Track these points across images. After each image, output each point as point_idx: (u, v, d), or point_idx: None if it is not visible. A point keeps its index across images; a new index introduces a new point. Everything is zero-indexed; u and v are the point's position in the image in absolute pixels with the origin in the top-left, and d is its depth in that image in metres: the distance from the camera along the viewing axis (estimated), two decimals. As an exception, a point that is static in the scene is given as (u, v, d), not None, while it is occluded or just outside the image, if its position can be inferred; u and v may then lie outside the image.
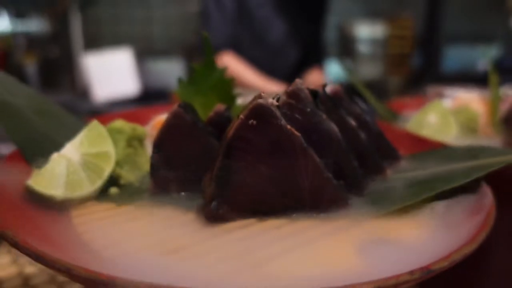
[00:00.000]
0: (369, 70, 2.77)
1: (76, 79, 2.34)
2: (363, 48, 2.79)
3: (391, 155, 0.32)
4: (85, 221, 0.25)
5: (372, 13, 2.89)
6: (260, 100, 0.23)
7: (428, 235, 0.23)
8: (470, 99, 0.48)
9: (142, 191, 0.29)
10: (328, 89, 0.30)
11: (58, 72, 2.43)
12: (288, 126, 0.23)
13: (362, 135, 0.29)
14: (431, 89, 0.57)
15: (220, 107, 0.30)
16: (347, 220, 0.25)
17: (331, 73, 2.82)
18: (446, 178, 0.27)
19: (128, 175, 0.30)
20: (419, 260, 0.19)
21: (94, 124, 0.30)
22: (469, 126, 0.43)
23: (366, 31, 2.78)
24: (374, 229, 0.24)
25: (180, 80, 0.34)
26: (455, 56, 1.97)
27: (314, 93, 0.26)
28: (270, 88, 1.25)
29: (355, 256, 0.22)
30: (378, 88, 2.83)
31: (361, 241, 0.23)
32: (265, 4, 1.34)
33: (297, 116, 0.26)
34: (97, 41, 2.52)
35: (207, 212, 0.24)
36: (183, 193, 0.27)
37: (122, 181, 0.30)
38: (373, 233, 0.24)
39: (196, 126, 0.27)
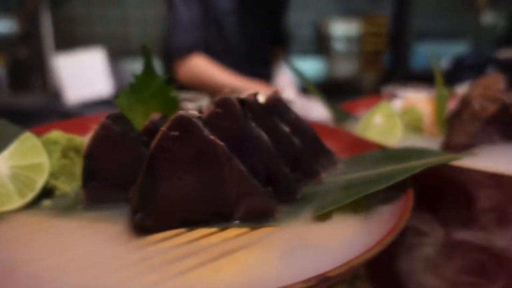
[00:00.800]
0: (345, 68, 2.81)
1: (48, 80, 2.28)
2: (338, 46, 2.82)
3: (327, 159, 0.33)
4: (13, 236, 0.25)
5: (348, 11, 2.93)
6: (181, 112, 0.23)
7: (349, 239, 0.24)
8: (418, 99, 0.49)
9: (76, 202, 0.29)
10: (263, 97, 0.31)
11: (29, 74, 2.37)
12: (211, 136, 0.24)
13: (296, 140, 0.30)
14: (385, 89, 0.58)
15: (155, 116, 0.30)
16: (274, 226, 0.25)
17: (307, 71, 2.85)
18: (373, 181, 0.28)
19: (64, 186, 0.30)
20: (333, 265, 0.20)
21: (27, 136, 0.29)
22: (414, 126, 0.45)
23: (342, 29, 2.81)
24: (298, 235, 0.25)
25: (121, 89, 0.34)
26: (427, 53, 2.02)
27: (242, 102, 0.27)
28: (247, 87, 1.25)
29: (276, 263, 0.22)
30: (353, 85, 2.88)
31: (284, 248, 0.23)
32: (232, 12, 1.33)
33: (224, 124, 0.26)
34: (69, 41, 2.46)
35: (133, 223, 0.24)
36: (115, 205, 0.27)
37: (57, 192, 0.30)
38: (296, 239, 0.24)
39: (126, 137, 0.27)
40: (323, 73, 2.87)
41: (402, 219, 0.23)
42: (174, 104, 0.35)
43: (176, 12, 1.30)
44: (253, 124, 0.27)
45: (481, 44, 2.81)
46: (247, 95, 0.29)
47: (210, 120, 0.26)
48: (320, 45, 2.93)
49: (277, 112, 0.31)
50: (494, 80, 0.43)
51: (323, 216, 0.26)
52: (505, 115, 0.36)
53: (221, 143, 0.24)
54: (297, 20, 2.98)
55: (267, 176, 0.28)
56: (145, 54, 0.33)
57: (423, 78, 1.39)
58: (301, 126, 0.32)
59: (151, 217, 0.24)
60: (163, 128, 0.23)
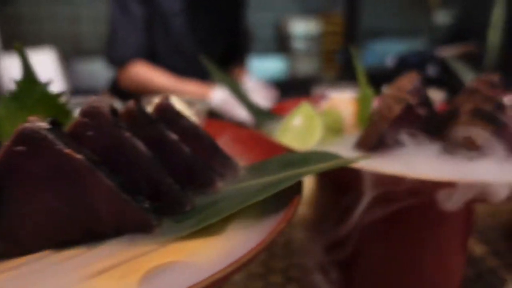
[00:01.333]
0: (306, 66, 2.83)
1: (-7, 82, 2.15)
2: (299, 45, 2.84)
3: (226, 166, 0.31)
4: None
5: (307, 10, 2.96)
6: (27, 124, 0.21)
7: (223, 253, 0.23)
8: (342, 99, 0.49)
9: None
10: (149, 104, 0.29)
11: (-28, 76, 2.22)
12: (66, 149, 0.21)
13: (187, 149, 0.28)
14: (316, 90, 0.58)
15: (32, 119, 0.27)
16: (148, 244, 0.24)
17: (269, 69, 2.85)
18: (262, 189, 0.27)
19: None
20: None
21: None
22: (334, 127, 0.44)
23: (302, 28, 2.84)
24: (170, 252, 0.23)
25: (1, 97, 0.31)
26: (382, 52, 2.07)
27: (113, 110, 0.25)
28: (189, 91, 1.23)
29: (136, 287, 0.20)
30: (314, 83, 2.91)
31: (150, 269, 0.21)
32: (180, 13, 1.29)
33: (92, 135, 0.24)
34: (17, 41, 2.33)
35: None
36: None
37: None
38: (167, 258, 0.22)
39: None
40: (285, 71, 2.88)
41: (273, 232, 0.22)
42: (64, 112, 0.33)
43: (114, 21, 1.25)
44: (128, 134, 0.24)
45: (435, 42, 2.92)
46: (129, 102, 0.27)
47: (77, 131, 0.24)
48: (281, 44, 2.94)
49: (166, 119, 0.29)
50: (407, 80, 0.43)
51: (203, 230, 0.25)
52: (410, 116, 0.36)
53: (79, 156, 0.22)
54: (258, 19, 2.97)
55: (149, 189, 0.26)
56: (21, 57, 0.30)
57: (375, 76, 1.42)
58: (195, 133, 0.30)
59: (3, 242, 0.22)
60: (7, 142, 0.21)
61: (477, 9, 1.79)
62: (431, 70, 1.04)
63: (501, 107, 0.36)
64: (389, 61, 1.13)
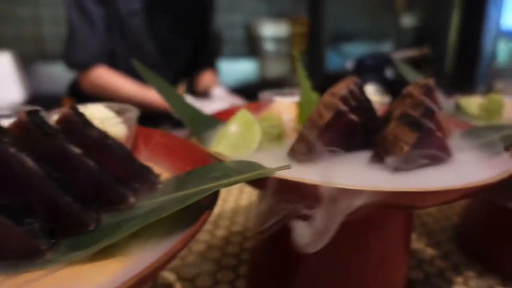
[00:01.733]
0: (276, 68, 2.84)
1: None
2: (269, 47, 2.85)
3: (144, 180, 0.29)
4: None
5: (276, 12, 2.97)
6: None
7: (118, 278, 0.21)
8: (284, 104, 0.48)
9: None
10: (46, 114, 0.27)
11: None
12: None
13: (92, 163, 0.26)
14: (263, 95, 0.57)
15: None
16: (35, 270, 0.21)
17: (239, 72, 2.84)
18: (174, 204, 0.25)
19: None
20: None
21: None
22: (273, 134, 0.43)
23: (271, 30, 2.84)
24: (59, 279, 0.21)
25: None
26: (349, 55, 2.10)
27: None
28: (151, 97, 1.20)
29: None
30: (285, 85, 2.92)
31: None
32: (137, 13, 1.25)
33: (-30, 153, 0.21)
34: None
35: None
36: None
37: None
38: (52, 286, 0.20)
39: None
40: (255, 74, 2.88)
41: (168, 253, 0.20)
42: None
43: (73, 23, 1.20)
44: (12, 149, 0.22)
45: (401, 45, 2.99)
46: (20, 113, 0.25)
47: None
48: (251, 46, 2.93)
49: (70, 130, 0.27)
50: (344, 85, 0.42)
51: (104, 250, 0.23)
52: (342, 123, 0.36)
53: None
54: (228, 21, 2.96)
55: (44, 209, 0.24)
56: None
57: (338, 80, 1.43)
58: (105, 145, 0.28)
59: None
60: None
61: (440, 12, 1.84)
62: (389, 73, 1.06)
63: (429, 112, 0.36)
64: (349, 65, 1.14)
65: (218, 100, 1.30)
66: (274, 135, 0.43)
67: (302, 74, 0.49)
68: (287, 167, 0.28)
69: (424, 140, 0.33)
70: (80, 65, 1.22)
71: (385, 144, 0.34)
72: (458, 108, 0.59)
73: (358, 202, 0.25)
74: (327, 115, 0.35)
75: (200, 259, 0.57)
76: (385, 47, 3.02)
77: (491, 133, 0.42)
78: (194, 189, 0.27)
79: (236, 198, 0.75)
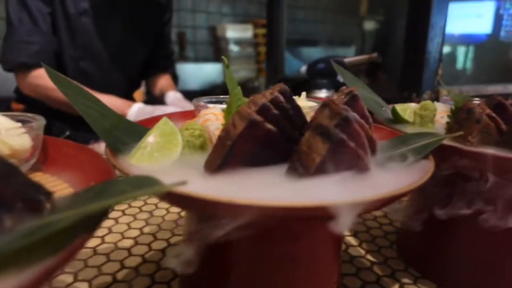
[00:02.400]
0: (242, 71, 2.83)
1: None
2: (234, 49, 2.83)
3: (29, 198, 0.27)
4: None
5: (241, 14, 2.96)
6: None
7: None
8: (212, 112, 0.46)
9: None
10: None
11: None
12: None
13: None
14: (195, 102, 0.55)
15: None
16: None
17: (204, 74, 2.80)
18: (52, 226, 0.23)
19: None
20: None
21: None
22: (194, 143, 0.41)
23: (236, 33, 2.83)
24: None
25: None
26: (311, 59, 2.12)
27: None
28: (106, 102, 1.15)
29: None
30: (250, 88, 2.92)
31: None
32: (86, 13, 1.20)
33: None
34: None
35: None
36: None
37: None
38: None
39: None
40: (221, 76, 2.86)
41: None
42: None
43: (11, 21, 1.13)
44: None
45: (365, 50, 3.06)
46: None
47: None
48: (217, 49, 2.91)
49: None
50: (269, 93, 0.41)
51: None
52: (255, 134, 0.34)
53: None
54: (193, 24, 2.92)
55: None
56: None
57: (295, 85, 1.44)
58: None
59: None
60: None
61: (393, 17, 1.89)
62: (342, 78, 1.06)
63: (346, 122, 0.35)
64: (302, 69, 1.15)
65: (171, 105, 1.27)
66: (197, 145, 0.41)
67: (231, 81, 0.47)
68: (182, 183, 0.26)
69: (336, 151, 0.32)
70: (19, 66, 1.14)
71: (299, 155, 0.33)
72: (394, 115, 0.59)
73: (245, 217, 0.24)
74: (240, 126, 0.33)
75: (134, 274, 0.54)
76: (349, 51, 3.08)
77: (412, 142, 0.42)
78: (86, 207, 0.25)
79: (180, 209, 0.73)
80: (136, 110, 1.12)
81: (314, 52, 2.76)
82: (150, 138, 0.39)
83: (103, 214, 0.26)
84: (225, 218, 0.29)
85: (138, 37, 1.36)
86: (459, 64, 1.97)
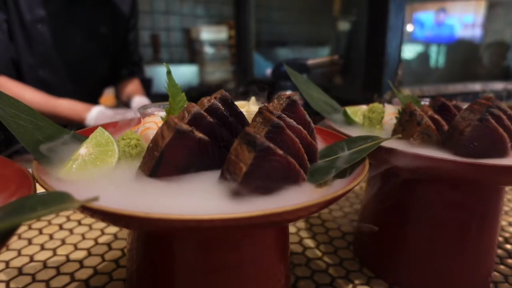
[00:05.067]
0: (217, 73, 2.81)
1: None
2: (209, 51, 2.82)
3: None
4: None
5: (217, 17, 2.95)
6: None
7: None
8: (153, 120, 0.45)
9: None
10: None
11: None
12: None
13: None
14: (142, 110, 0.54)
15: None
16: None
17: (179, 76, 2.78)
18: None
19: None
20: None
21: None
22: (130, 153, 0.40)
23: (211, 35, 2.81)
24: None
25: None
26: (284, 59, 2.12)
27: None
28: (57, 108, 1.12)
29: None
30: (226, 90, 2.90)
31: None
32: (42, 21, 1.16)
33: None
34: None
35: None
36: None
37: None
38: None
39: None
40: (196, 78, 2.84)
41: None
42: None
43: None
44: None
45: (339, 51, 3.10)
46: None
47: None
48: (192, 50, 2.89)
49: None
50: (206, 100, 0.41)
51: None
52: (185, 143, 0.34)
53: None
54: (167, 26, 2.89)
55: None
56: None
57: (267, 85, 1.44)
58: None
59: None
60: None
61: (371, 18, 1.92)
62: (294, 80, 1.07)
63: (277, 129, 0.35)
64: (268, 71, 1.14)
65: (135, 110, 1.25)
66: (133, 155, 0.40)
67: (173, 88, 0.46)
68: (94, 199, 0.25)
69: (264, 160, 0.32)
70: None
71: (228, 164, 0.33)
72: (345, 117, 0.60)
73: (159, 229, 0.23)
74: (168, 136, 0.33)
75: (84, 287, 0.53)
76: (323, 52, 3.11)
77: (353, 145, 0.42)
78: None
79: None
80: (95, 114, 1.09)
81: (289, 54, 2.78)
82: (83, 150, 0.38)
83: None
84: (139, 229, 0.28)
85: (100, 47, 1.34)
86: (423, 64, 2.01)
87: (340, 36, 3.20)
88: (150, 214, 0.26)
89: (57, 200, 0.26)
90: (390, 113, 0.59)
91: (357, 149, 0.41)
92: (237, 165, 0.32)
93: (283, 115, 0.38)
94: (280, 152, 0.33)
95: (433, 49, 2.12)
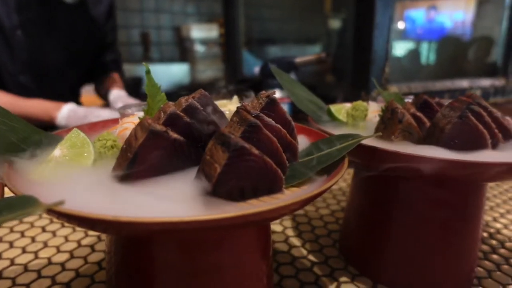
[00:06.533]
0: (208, 71, 2.80)
1: None
2: (200, 50, 2.80)
3: None
4: None
5: (207, 14, 2.93)
6: None
7: None
8: (130, 120, 0.45)
9: None
10: None
11: None
12: None
13: None
14: (121, 110, 0.53)
15: None
16: None
17: (170, 74, 2.76)
18: None
19: None
20: None
21: None
22: (106, 154, 0.40)
23: (201, 33, 2.80)
24: None
25: None
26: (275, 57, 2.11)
27: None
28: (29, 109, 1.10)
29: None
30: (217, 88, 2.90)
31: None
32: (18, 27, 1.15)
33: None
34: None
35: None
36: None
37: None
38: None
39: None
40: (187, 77, 2.82)
41: None
42: None
43: None
44: None
45: (330, 48, 3.09)
46: None
47: None
48: (182, 49, 2.87)
49: None
50: (184, 100, 0.40)
51: None
52: (159, 144, 0.33)
53: None
54: (157, 25, 2.87)
55: None
56: None
57: (256, 83, 1.43)
58: None
59: None
60: None
61: (358, 15, 1.91)
62: (293, 77, 1.07)
63: (254, 128, 0.34)
64: (256, 69, 1.14)
65: (114, 102, 1.24)
66: (109, 156, 0.39)
67: (152, 88, 0.46)
68: (60, 202, 0.25)
69: (238, 160, 0.31)
70: None
71: (203, 164, 0.32)
72: (329, 115, 0.59)
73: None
74: (141, 137, 0.32)
75: (66, 289, 0.52)
76: (314, 50, 3.11)
77: (335, 144, 0.42)
78: None
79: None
80: (66, 112, 1.07)
81: (281, 51, 2.77)
82: (57, 151, 0.38)
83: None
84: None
85: (79, 51, 1.33)
86: (414, 61, 2.02)
87: (331, 34, 3.20)
88: (119, 217, 0.25)
89: (23, 204, 0.26)
90: (373, 110, 0.59)
91: (337, 147, 0.41)
92: (212, 165, 0.32)
93: (261, 114, 0.37)
94: (256, 151, 0.32)
95: (424, 46, 2.13)
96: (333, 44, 3.03)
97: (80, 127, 0.48)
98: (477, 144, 0.45)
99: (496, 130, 0.46)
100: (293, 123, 0.44)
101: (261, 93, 0.43)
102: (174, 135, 0.34)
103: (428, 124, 0.50)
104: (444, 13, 2.43)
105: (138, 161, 0.33)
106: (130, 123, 0.44)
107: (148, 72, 0.47)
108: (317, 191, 0.32)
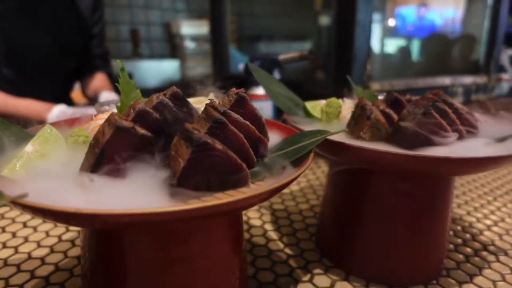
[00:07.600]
0: (198, 67, 2.80)
1: None
2: (190, 46, 2.80)
3: None
4: None
5: (197, 11, 2.92)
6: None
7: None
8: (103, 117, 0.46)
9: None
10: None
11: None
12: None
13: None
14: (98, 107, 0.54)
15: None
16: None
17: (160, 71, 2.75)
18: None
19: None
20: None
21: None
22: (79, 150, 0.40)
23: (192, 30, 2.79)
24: None
25: None
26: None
27: None
28: (18, 107, 1.10)
29: None
30: (208, 85, 2.89)
31: None
32: (3, 16, 1.14)
33: None
34: None
35: None
36: None
37: None
38: None
39: None
40: (177, 73, 2.82)
41: None
42: None
43: None
44: None
45: (321, 45, 3.10)
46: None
47: None
48: (172, 45, 2.86)
49: None
50: (154, 97, 0.41)
51: None
52: (127, 140, 0.34)
53: None
54: (147, 21, 2.86)
55: None
56: None
57: (242, 80, 1.44)
58: None
59: None
60: None
61: (340, 12, 1.93)
62: (277, 75, 1.08)
63: (219, 124, 0.36)
64: (241, 66, 1.15)
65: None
66: (82, 152, 0.40)
67: (127, 85, 0.47)
68: (23, 195, 0.26)
69: (201, 155, 0.32)
70: None
71: (169, 160, 0.34)
72: (304, 112, 0.61)
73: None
74: (108, 133, 0.33)
75: (44, 283, 0.53)
76: (305, 46, 3.12)
77: (303, 139, 0.44)
78: None
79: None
80: (56, 114, 1.08)
81: (271, 48, 2.77)
82: (29, 147, 0.39)
83: None
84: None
85: (64, 43, 1.32)
86: (403, 58, 2.04)
87: (322, 31, 3.21)
88: (81, 210, 0.26)
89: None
90: (348, 107, 0.60)
91: (305, 143, 0.42)
92: (176, 160, 0.33)
93: (228, 111, 0.39)
94: (219, 146, 0.33)
95: (415, 44, 2.15)
96: (323, 41, 3.04)
97: (58, 124, 0.49)
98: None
99: (460, 127, 0.48)
100: (263, 119, 0.45)
101: (231, 90, 0.44)
102: (142, 131, 0.35)
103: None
104: (434, 10, 2.46)
105: (106, 157, 0.34)
106: (103, 120, 0.45)
107: (122, 69, 0.48)
108: (274, 186, 0.33)
